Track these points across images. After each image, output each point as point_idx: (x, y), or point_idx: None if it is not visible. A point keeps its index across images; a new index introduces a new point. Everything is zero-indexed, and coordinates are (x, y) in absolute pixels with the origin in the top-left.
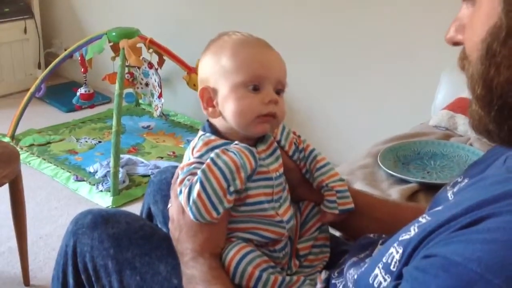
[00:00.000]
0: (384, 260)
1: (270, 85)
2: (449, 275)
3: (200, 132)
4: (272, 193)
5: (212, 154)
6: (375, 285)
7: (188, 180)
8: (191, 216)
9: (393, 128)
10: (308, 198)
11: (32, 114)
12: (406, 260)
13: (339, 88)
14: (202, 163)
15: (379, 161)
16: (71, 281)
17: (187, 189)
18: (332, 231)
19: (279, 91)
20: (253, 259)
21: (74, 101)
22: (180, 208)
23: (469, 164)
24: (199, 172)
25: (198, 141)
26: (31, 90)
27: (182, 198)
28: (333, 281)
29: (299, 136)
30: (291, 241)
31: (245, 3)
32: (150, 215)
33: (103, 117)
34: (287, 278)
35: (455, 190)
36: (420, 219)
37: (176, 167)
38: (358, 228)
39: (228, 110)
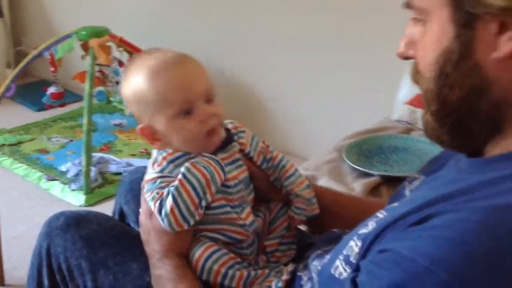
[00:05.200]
0: (344, 252)
1: (201, 101)
2: (400, 269)
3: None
4: (232, 199)
5: (182, 169)
6: (336, 275)
7: (158, 193)
8: (163, 226)
9: (359, 122)
10: (278, 199)
11: (2, 114)
12: (363, 253)
13: (306, 84)
14: (165, 176)
15: (343, 156)
16: (46, 281)
17: (158, 202)
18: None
19: (210, 98)
20: (219, 258)
21: (44, 100)
22: (148, 212)
23: (427, 162)
24: (171, 187)
25: (157, 155)
26: (1, 90)
27: (152, 207)
28: (298, 273)
29: (267, 146)
30: (258, 238)
31: (211, 5)
32: (122, 215)
33: (74, 115)
34: (252, 272)
35: (412, 187)
36: (378, 214)
37: (144, 166)
38: (324, 224)
39: (174, 141)
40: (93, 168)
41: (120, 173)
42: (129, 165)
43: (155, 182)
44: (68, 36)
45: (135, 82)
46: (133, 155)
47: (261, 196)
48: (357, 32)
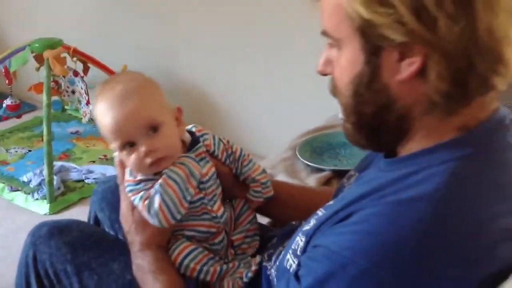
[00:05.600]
0: (293, 247)
1: (142, 136)
2: (329, 261)
3: None
4: (206, 194)
5: (164, 172)
6: (288, 267)
7: (145, 193)
8: (152, 223)
9: (311, 120)
10: (241, 195)
11: None
12: (305, 247)
13: (260, 85)
14: (148, 180)
15: (297, 153)
16: (34, 286)
17: (146, 201)
18: (261, 219)
19: (154, 130)
20: (195, 256)
21: (1, 112)
22: (130, 205)
23: (361, 159)
24: (157, 186)
25: None
26: None
27: (141, 207)
28: (264, 263)
29: (227, 142)
30: (227, 234)
31: (161, 7)
32: (97, 221)
33: (30, 125)
34: (224, 266)
35: (349, 184)
36: (318, 212)
37: (115, 175)
38: (283, 216)
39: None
40: (54, 177)
41: (81, 180)
42: (90, 171)
43: (138, 184)
44: (21, 49)
45: (96, 113)
46: (93, 161)
47: (226, 192)
48: (307, 31)
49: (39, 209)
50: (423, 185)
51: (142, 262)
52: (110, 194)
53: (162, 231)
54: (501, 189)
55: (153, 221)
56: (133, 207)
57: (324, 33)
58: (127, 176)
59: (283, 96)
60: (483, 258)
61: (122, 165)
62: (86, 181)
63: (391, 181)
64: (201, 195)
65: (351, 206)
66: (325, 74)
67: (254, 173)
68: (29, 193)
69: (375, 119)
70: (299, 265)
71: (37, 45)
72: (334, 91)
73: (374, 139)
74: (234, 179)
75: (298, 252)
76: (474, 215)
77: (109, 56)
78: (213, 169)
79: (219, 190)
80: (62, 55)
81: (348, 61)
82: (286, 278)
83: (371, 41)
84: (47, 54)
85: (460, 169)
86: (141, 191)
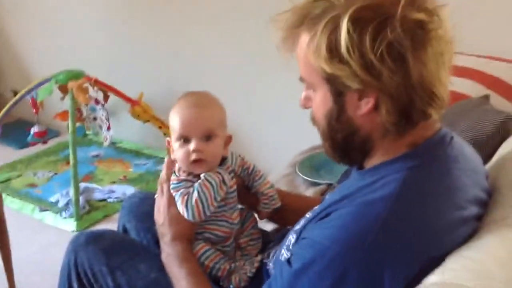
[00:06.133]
0: (286, 243)
1: (196, 136)
2: (312, 249)
3: None
4: (228, 202)
5: (202, 175)
6: (282, 259)
7: (185, 190)
8: (186, 216)
9: (309, 139)
10: (246, 202)
11: None
12: (295, 241)
13: (266, 108)
14: (188, 180)
15: (297, 170)
16: (75, 285)
17: (186, 197)
18: (263, 225)
19: (208, 137)
20: (209, 256)
21: (29, 139)
22: (167, 203)
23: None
24: (196, 184)
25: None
26: None
27: (180, 201)
28: (264, 261)
29: (242, 158)
30: (234, 238)
31: (173, 40)
32: (124, 230)
33: (55, 150)
34: (233, 265)
35: (331, 192)
36: (307, 215)
37: (138, 192)
38: (286, 220)
39: (174, 157)
40: (80, 197)
41: (104, 200)
42: (111, 191)
43: (180, 183)
44: (47, 81)
45: (171, 112)
46: (114, 182)
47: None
48: None
49: (67, 226)
50: (382, 190)
51: (171, 251)
52: (136, 208)
53: (190, 226)
54: (443, 191)
55: (187, 214)
56: (170, 204)
57: (301, 79)
58: (172, 176)
59: (285, 118)
60: (430, 245)
61: (169, 167)
62: (108, 200)
63: (360, 187)
64: (223, 203)
65: (331, 207)
66: (306, 108)
67: (263, 187)
68: (57, 213)
69: (344, 143)
70: (291, 254)
71: (61, 76)
72: (313, 121)
73: (345, 157)
74: (244, 188)
75: (290, 247)
76: (422, 210)
77: (126, 85)
78: (235, 184)
79: (237, 200)
80: (85, 85)
81: (321, 100)
82: (280, 265)
83: (336, 87)
84: (71, 85)
85: (410, 176)
86: (182, 189)
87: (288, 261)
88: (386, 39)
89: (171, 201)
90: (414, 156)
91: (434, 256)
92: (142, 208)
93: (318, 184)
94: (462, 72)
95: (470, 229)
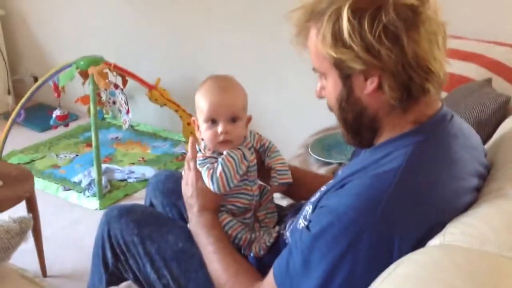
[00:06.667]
0: (303, 214)
1: (223, 119)
2: (330, 215)
3: None
4: (249, 176)
5: (225, 152)
6: (299, 227)
7: (211, 165)
8: (212, 188)
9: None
10: (261, 176)
11: (10, 137)
12: (312, 211)
13: (280, 92)
14: (213, 157)
15: (309, 150)
16: (109, 254)
17: (211, 171)
18: (279, 201)
19: (234, 119)
20: (232, 226)
21: (51, 122)
22: (195, 177)
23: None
24: (220, 159)
25: (204, 145)
26: (12, 116)
27: (206, 175)
28: (281, 232)
29: (260, 135)
30: (254, 210)
31: (188, 26)
32: (151, 205)
33: (75, 133)
34: (253, 235)
35: (343, 167)
36: (322, 188)
37: (163, 170)
38: (300, 195)
39: (202, 136)
40: (103, 177)
41: (125, 180)
42: (131, 172)
43: (205, 159)
44: (68, 66)
45: (198, 94)
46: (133, 163)
47: None
48: None
49: (90, 205)
50: (391, 163)
51: (199, 220)
52: (161, 185)
53: (216, 199)
54: (446, 163)
55: (213, 186)
56: (198, 179)
57: (314, 69)
58: (198, 154)
59: (297, 101)
60: (434, 212)
61: (194, 147)
62: (128, 180)
63: (371, 161)
64: (245, 177)
65: (345, 179)
66: (321, 98)
67: (274, 162)
68: (80, 192)
69: (355, 122)
70: (309, 221)
71: (82, 62)
72: (330, 108)
73: (358, 137)
74: (260, 165)
75: (308, 216)
76: (427, 181)
77: (144, 70)
78: (255, 159)
79: (257, 174)
80: (104, 70)
81: (332, 86)
82: (299, 232)
83: (343, 71)
84: (91, 70)
85: (416, 150)
86: (208, 164)
87: (307, 227)
88: (381, 22)
89: (198, 176)
90: (419, 132)
91: (438, 222)
92: (167, 185)
93: (329, 163)
94: (467, 56)
95: (470, 199)
